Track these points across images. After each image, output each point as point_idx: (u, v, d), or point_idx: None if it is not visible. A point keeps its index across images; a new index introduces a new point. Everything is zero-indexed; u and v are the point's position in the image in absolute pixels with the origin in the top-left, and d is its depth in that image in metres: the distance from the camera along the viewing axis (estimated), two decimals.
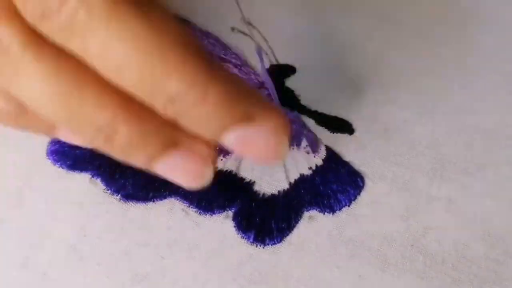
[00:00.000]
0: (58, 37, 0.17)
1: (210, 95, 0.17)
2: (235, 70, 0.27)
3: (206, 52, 0.18)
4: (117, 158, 0.19)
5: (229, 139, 0.18)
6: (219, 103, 0.17)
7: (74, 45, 0.17)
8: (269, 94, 0.24)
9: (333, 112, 0.25)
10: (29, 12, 0.17)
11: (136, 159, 0.19)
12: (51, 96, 0.18)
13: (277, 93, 0.26)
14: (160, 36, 0.17)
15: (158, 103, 0.17)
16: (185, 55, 0.17)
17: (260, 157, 0.19)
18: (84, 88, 0.18)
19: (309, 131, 0.25)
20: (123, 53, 0.16)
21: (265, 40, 0.28)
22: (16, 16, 0.18)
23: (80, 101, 0.18)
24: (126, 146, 0.18)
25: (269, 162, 0.20)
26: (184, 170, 0.19)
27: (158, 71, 0.17)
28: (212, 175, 0.20)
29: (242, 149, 0.19)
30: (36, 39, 0.18)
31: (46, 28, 0.17)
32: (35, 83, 0.18)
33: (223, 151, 0.24)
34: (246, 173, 0.23)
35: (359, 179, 0.23)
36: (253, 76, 0.26)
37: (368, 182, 0.23)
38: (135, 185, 0.22)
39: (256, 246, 0.21)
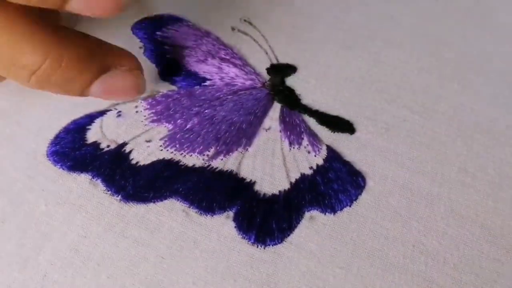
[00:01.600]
0: None
1: (66, 60, 0.20)
2: (235, 70, 0.26)
3: (55, 22, 0.21)
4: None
5: (95, 91, 0.21)
6: (77, 64, 0.20)
7: None
8: None
9: (333, 112, 0.25)
10: None
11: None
12: None
13: (278, 93, 0.26)
14: (5, 16, 0.19)
15: (22, 77, 0.20)
16: (32, 29, 0.20)
17: (125, 95, 0.23)
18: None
19: (310, 130, 0.25)
20: None
21: (265, 39, 0.28)
22: None
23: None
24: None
25: (133, 96, 0.24)
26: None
27: (15, 47, 0.19)
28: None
29: (108, 94, 0.22)
30: None
31: None
32: None
33: (223, 151, 0.24)
34: (246, 173, 0.23)
35: (360, 179, 0.23)
36: (253, 76, 0.26)
37: (369, 182, 0.23)
38: (135, 186, 0.22)
39: (257, 246, 0.21)
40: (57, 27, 0.21)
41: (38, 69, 0.20)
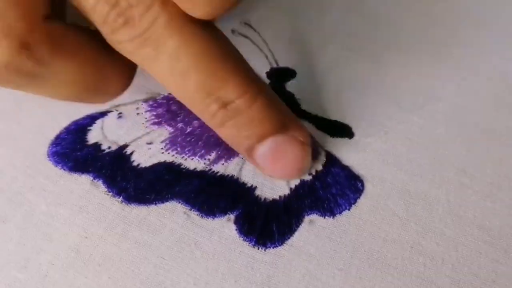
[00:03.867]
0: (131, 46, 0.19)
1: (258, 102, 0.19)
2: None
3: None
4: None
5: (264, 148, 0.20)
6: (265, 109, 0.19)
7: (144, 53, 0.19)
8: None
9: (332, 116, 0.26)
10: (109, 22, 0.18)
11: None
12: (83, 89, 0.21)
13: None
14: (221, 46, 0.19)
15: (211, 109, 0.19)
16: (239, 66, 0.19)
17: (287, 170, 0.21)
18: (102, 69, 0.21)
19: (310, 136, 0.25)
20: (190, 60, 0.18)
21: (265, 43, 0.28)
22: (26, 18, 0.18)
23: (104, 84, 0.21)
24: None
25: (293, 176, 0.22)
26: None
27: (218, 77, 0.19)
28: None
29: (273, 160, 0.21)
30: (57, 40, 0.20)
31: (123, 37, 0.18)
32: (67, 83, 0.20)
33: (224, 156, 0.24)
34: (247, 179, 0.23)
35: (358, 183, 0.23)
36: None
37: (368, 185, 0.23)
38: (137, 187, 0.22)
39: (258, 249, 0.21)
40: (249, 65, 0.20)
41: (230, 103, 0.19)
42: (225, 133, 0.21)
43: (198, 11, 0.18)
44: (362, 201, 0.23)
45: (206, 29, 0.19)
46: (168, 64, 0.19)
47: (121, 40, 0.19)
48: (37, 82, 0.20)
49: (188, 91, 0.19)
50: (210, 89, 0.19)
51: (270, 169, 0.22)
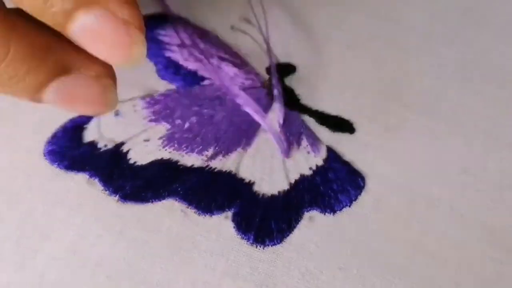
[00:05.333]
0: None
1: (14, 51, 0.16)
2: (235, 69, 0.26)
3: (4, 9, 0.17)
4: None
5: (48, 97, 0.17)
6: (28, 58, 0.17)
7: None
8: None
9: (333, 112, 0.25)
10: None
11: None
12: None
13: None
14: None
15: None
16: None
17: (87, 110, 0.19)
18: None
19: (310, 130, 0.25)
20: None
21: (265, 38, 0.27)
22: None
23: None
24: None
25: (99, 111, 0.19)
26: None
27: None
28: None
29: (66, 103, 0.18)
30: None
31: None
32: None
33: (222, 151, 0.24)
34: (245, 174, 0.23)
35: (359, 179, 0.23)
36: (253, 76, 0.26)
37: (369, 182, 0.23)
38: (134, 185, 0.22)
39: (256, 247, 0.21)
40: (7, 11, 0.17)
41: None
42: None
43: None
44: (363, 197, 0.23)
45: None
46: None
47: None
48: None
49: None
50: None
51: (69, 111, 0.19)
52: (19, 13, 0.17)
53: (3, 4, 0.18)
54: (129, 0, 0.17)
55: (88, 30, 0.16)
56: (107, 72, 0.18)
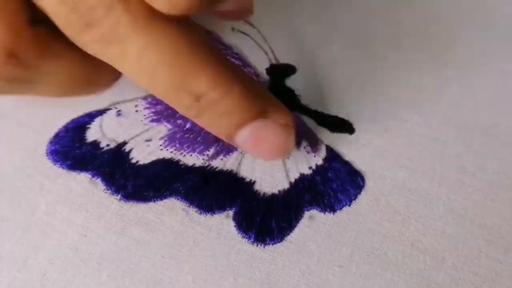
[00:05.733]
0: (96, 47, 0.19)
1: (233, 92, 0.19)
2: None
3: (227, 57, 0.20)
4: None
5: (244, 134, 0.20)
6: (241, 98, 0.19)
7: (110, 52, 0.19)
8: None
9: (333, 112, 0.25)
10: (72, 24, 0.18)
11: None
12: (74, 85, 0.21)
13: (277, 93, 0.26)
14: (190, 41, 0.19)
15: (184, 102, 0.19)
16: (211, 58, 0.19)
17: (270, 152, 0.21)
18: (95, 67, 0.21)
19: (310, 130, 0.25)
20: (157, 57, 0.18)
21: (265, 39, 0.28)
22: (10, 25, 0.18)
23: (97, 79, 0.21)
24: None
25: (277, 157, 0.22)
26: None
27: (188, 71, 0.18)
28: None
29: (255, 144, 0.20)
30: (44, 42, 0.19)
31: (86, 39, 0.18)
32: (56, 82, 0.21)
33: (223, 151, 0.24)
34: (246, 173, 0.23)
35: (359, 179, 0.23)
36: (253, 76, 0.26)
37: (368, 182, 0.23)
38: (135, 185, 0.22)
39: (257, 245, 0.21)
40: (226, 57, 0.20)
41: (204, 96, 0.19)
42: (203, 123, 0.21)
43: (158, 4, 0.18)
44: (363, 197, 0.23)
45: (175, 25, 0.19)
46: (135, 63, 0.19)
47: (86, 42, 0.19)
48: (28, 86, 0.20)
49: (159, 87, 0.19)
50: (181, 84, 0.19)
51: (252, 153, 0.22)
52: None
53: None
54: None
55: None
56: (291, 122, 0.21)
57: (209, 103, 0.19)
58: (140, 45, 0.18)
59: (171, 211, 0.22)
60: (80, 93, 0.22)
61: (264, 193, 0.23)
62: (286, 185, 0.23)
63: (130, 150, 0.23)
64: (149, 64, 0.18)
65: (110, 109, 0.25)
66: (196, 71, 0.19)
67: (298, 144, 0.24)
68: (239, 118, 0.20)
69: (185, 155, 0.24)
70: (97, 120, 0.24)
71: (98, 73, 0.22)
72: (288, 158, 0.23)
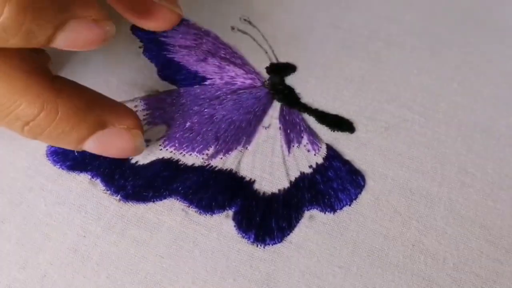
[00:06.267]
0: None
1: (61, 112, 0.19)
2: (235, 69, 0.26)
3: (49, 72, 0.20)
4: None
5: (89, 146, 0.21)
6: (72, 117, 0.20)
7: None
8: None
9: (333, 111, 0.25)
10: None
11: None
12: None
13: (277, 92, 0.26)
14: (6, 72, 0.19)
15: (16, 127, 0.20)
16: (28, 81, 0.19)
17: (121, 154, 0.22)
18: None
19: (310, 129, 0.25)
20: None
21: (265, 39, 0.27)
22: None
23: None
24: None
25: (129, 156, 0.23)
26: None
27: (8, 99, 0.19)
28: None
29: (102, 151, 0.21)
30: None
31: None
32: None
33: (223, 150, 0.24)
34: (246, 172, 0.23)
35: (359, 178, 0.23)
36: (253, 75, 0.26)
37: (369, 181, 0.23)
38: (135, 185, 0.22)
39: (257, 245, 0.21)
40: (53, 78, 0.20)
41: (32, 120, 0.19)
42: (46, 142, 0.21)
43: None
44: (363, 196, 0.23)
45: None
46: None
47: None
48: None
49: None
50: (5, 111, 0.19)
51: (104, 155, 0.22)
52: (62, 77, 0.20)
53: (49, 71, 0.20)
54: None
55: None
56: (136, 124, 0.22)
57: (38, 127, 0.19)
58: None
59: (171, 212, 0.22)
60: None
61: (264, 192, 0.23)
62: (286, 184, 0.23)
63: None
64: None
65: None
66: (14, 98, 0.19)
67: (298, 143, 0.24)
68: (76, 135, 0.20)
69: (184, 154, 0.24)
70: None
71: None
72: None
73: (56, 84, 0.20)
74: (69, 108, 0.20)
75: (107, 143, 0.21)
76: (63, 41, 0.19)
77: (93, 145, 0.21)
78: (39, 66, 0.20)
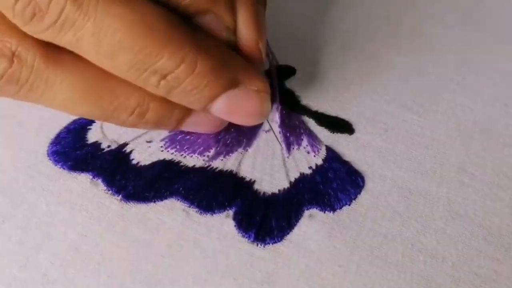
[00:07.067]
0: (49, 35, 0.18)
1: (200, 66, 0.19)
2: None
3: (190, 27, 0.19)
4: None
5: (218, 106, 0.20)
6: (209, 73, 0.19)
7: (66, 40, 0.18)
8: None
9: (333, 113, 0.25)
10: (18, 15, 0.18)
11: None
12: (83, 98, 0.19)
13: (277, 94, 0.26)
14: (145, 19, 0.18)
15: (151, 83, 0.19)
16: (172, 34, 0.18)
17: (247, 119, 0.21)
18: (108, 80, 0.19)
19: (310, 131, 0.25)
20: (113, 40, 0.18)
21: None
22: (12, 27, 0.18)
23: (110, 93, 0.19)
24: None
25: (255, 122, 0.22)
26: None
27: (148, 51, 0.18)
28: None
29: (231, 113, 0.20)
30: (51, 47, 0.19)
31: (37, 28, 0.18)
32: (65, 91, 0.19)
33: (223, 152, 0.24)
34: (246, 173, 0.23)
35: (359, 179, 0.23)
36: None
37: (368, 182, 0.23)
38: (136, 186, 0.22)
39: (257, 245, 0.21)
40: (194, 29, 0.19)
41: (171, 73, 0.18)
42: (176, 100, 0.20)
43: None
44: (363, 197, 0.23)
45: (125, 4, 0.18)
46: (93, 48, 0.18)
47: (37, 31, 0.18)
48: (37, 92, 0.19)
49: (122, 70, 0.18)
50: (144, 65, 0.18)
51: (230, 120, 0.22)
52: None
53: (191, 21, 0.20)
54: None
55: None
56: (265, 87, 0.21)
57: (176, 81, 0.19)
58: (93, 30, 0.17)
59: (172, 212, 0.22)
60: (96, 115, 0.21)
61: (264, 193, 0.23)
62: (286, 185, 0.23)
63: (131, 151, 0.24)
64: (107, 48, 0.18)
65: None
66: (158, 50, 0.18)
67: (298, 144, 0.24)
68: (209, 92, 0.19)
69: (185, 156, 0.24)
70: (98, 121, 0.24)
71: (114, 97, 0.20)
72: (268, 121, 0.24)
73: (196, 35, 0.19)
74: (207, 63, 0.19)
75: (236, 104, 0.20)
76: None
77: (222, 105, 0.20)
78: (180, 18, 0.19)
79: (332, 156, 0.24)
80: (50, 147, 0.23)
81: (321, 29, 0.29)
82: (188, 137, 0.24)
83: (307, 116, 0.25)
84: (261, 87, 0.21)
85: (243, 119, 0.21)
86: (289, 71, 0.27)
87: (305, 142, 0.24)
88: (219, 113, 0.20)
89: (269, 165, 0.24)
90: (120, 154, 0.23)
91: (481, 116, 0.26)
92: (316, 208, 0.22)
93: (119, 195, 0.22)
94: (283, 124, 0.25)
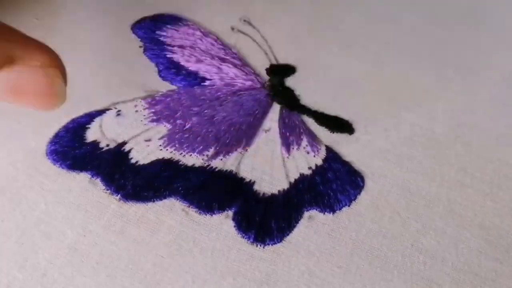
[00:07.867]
0: None
1: None
2: (235, 70, 0.27)
3: None
4: None
5: None
6: None
7: None
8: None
9: (332, 112, 0.25)
10: None
11: None
12: None
13: (277, 93, 0.26)
14: None
15: None
16: None
17: (38, 100, 0.18)
18: None
19: (309, 131, 0.25)
20: None
21: (265, 39, 0.28)
22: None
23: None
24: None
25: (51, 105, 0.19)
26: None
27: None
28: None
29: (15, 96, 0.18)
30: None
31: None
32: None
33: (223, 151, 0.24)
34: (246, 173, 0.23)
35: (359, 179, 0.23)
36: (253, 76, 0.26)
37: (368, 182, 0.23)
38: (135, 185, 0.22)
39: (256, 246, 0.21)
40: None
41: None
42: None
43: None
44: (363, 197, 0.23)
45: None
46: None
47: None
48: None
49: None
50: None
51: (20, 103, 0.19)
52: None
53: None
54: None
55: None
56: (53, 62, 0.18)
57: None
58: None
59: (171, 211, 0.22)
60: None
61: (263, 193, 0.23)
62: (285, 185, 0.23)
63: (130, 150, 0.23)
64: None
65: (110, 109, 0.25)
66: None
67: (298, 144, 0.24)
68: None
69: (184, 155, 0.24)
70: (97, 120, 0.24)
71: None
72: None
73: None
74: None
75: (18, 83, 0.17)
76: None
77: (2, 89, 0.17)
78: None
79: (332, 156, 0.24)
80: (49, 146, 0.23)
81: (322, 28, 0.29)
82: (187, 135, 0.24)
83: (307, 115, 0.25)
84: (46, 62, 0.18)
85: (34, 101, 0.18)
86: (289, 70, 0.27)
87: (305, 142, 0.24)
88: (2, 97, 0.18)
89: (269, 165, 0.24)
90: (118, 153, 0.23)
91: (481, 116, 0.26)
92: (316, 209, 0.22)
93: (118, 194, 0.22)
94: (283, 124, 0.25)
